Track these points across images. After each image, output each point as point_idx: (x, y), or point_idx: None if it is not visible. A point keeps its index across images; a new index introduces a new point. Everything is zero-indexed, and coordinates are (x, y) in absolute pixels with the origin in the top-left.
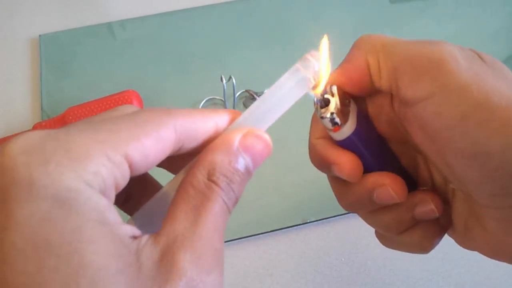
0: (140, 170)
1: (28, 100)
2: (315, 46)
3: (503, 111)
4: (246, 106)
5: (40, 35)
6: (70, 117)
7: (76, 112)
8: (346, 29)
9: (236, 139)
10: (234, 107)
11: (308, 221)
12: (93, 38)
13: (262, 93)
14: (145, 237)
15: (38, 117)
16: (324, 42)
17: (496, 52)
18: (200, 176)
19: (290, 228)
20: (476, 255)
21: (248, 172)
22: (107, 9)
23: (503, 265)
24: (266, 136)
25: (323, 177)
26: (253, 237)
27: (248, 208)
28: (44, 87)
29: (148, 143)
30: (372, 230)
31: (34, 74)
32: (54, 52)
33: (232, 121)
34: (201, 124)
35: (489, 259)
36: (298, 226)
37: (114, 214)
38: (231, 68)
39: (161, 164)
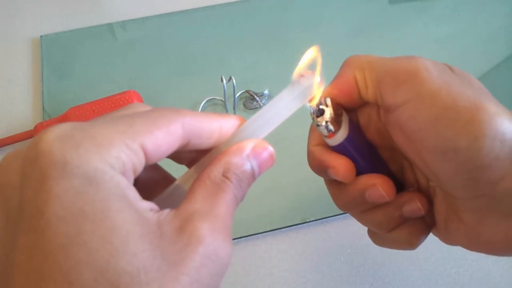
0: (153, 159)
1: (29, 100)
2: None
3: (468, 112)
4: (246, 106)
5: (41, 36)
6: (72, 117)
7: (77, 112)
8: (345, 30)
9: (249, 147)
10: (234, 108)
11: (308, 220)
12: (94, 38)
13: (262, 93)
14: (166, 211)
15: (39, 117)
16: (318, 59)
17: (495, 52)
18: (216, 171)
19: (289, 228)
20: (474, 255)
21: (253, 176)
22: (108, 10)
23: (502, 264)
24: (272, 149)
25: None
26: (253, 236)
27: (248, 208)
28: (46, 87)
29: (160, 136)
30: None
31: (35, 75)
32: (56, 53)
33: (237, 125)
34: (206, 123)
35: (488, 258)
36: (298, 226)
37: (133, 192)
38: (231, 68)
39: (171, 157)
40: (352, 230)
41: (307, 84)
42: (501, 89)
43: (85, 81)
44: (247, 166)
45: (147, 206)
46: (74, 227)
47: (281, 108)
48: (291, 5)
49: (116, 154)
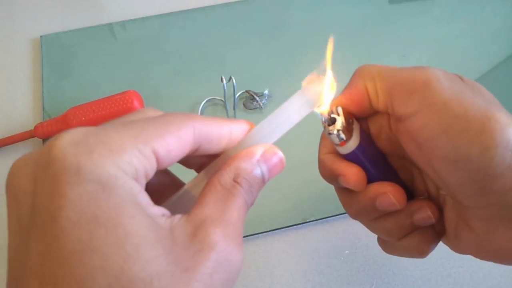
0: (164, 164)
1: (29, 100)
2: (315, 50)
3: (479, 122)
4: (246, 106)
5: (41, 36)
6: (71, 117)
7: (77, 112)
8: (345, 29)
9: (259, 152)
10: (234, 108)
11: (308, 220)
12: (94, 39)
13: (262, 93)
14: (178, 216)
15: (39, 117)
16: (329, 73)
17: (495, 52)
18: (227, 177)
19: (290, 228)
20: None
21: (263, 181)
22: (108, 10)
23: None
24: (281, 154)
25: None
26: (253, 236)
27: None
28: (46, 87)
29: (171, 141)
30: None
31: (35, 75)
32: (56, 53)
33: (246, 130)
34: (216, 129)
35: None
36: (298, 226)
37: (145, 197)
38: (231, 68)
39: (180, 161)
40: (352, 230)
41: (317, 90)
42: (501, 89)
43: (85, 81)
44: (257, 171)
45: (159, 211)
46: (87, 233)
47: (291, 114)
48: (291, 5)
49: (128, 159)
